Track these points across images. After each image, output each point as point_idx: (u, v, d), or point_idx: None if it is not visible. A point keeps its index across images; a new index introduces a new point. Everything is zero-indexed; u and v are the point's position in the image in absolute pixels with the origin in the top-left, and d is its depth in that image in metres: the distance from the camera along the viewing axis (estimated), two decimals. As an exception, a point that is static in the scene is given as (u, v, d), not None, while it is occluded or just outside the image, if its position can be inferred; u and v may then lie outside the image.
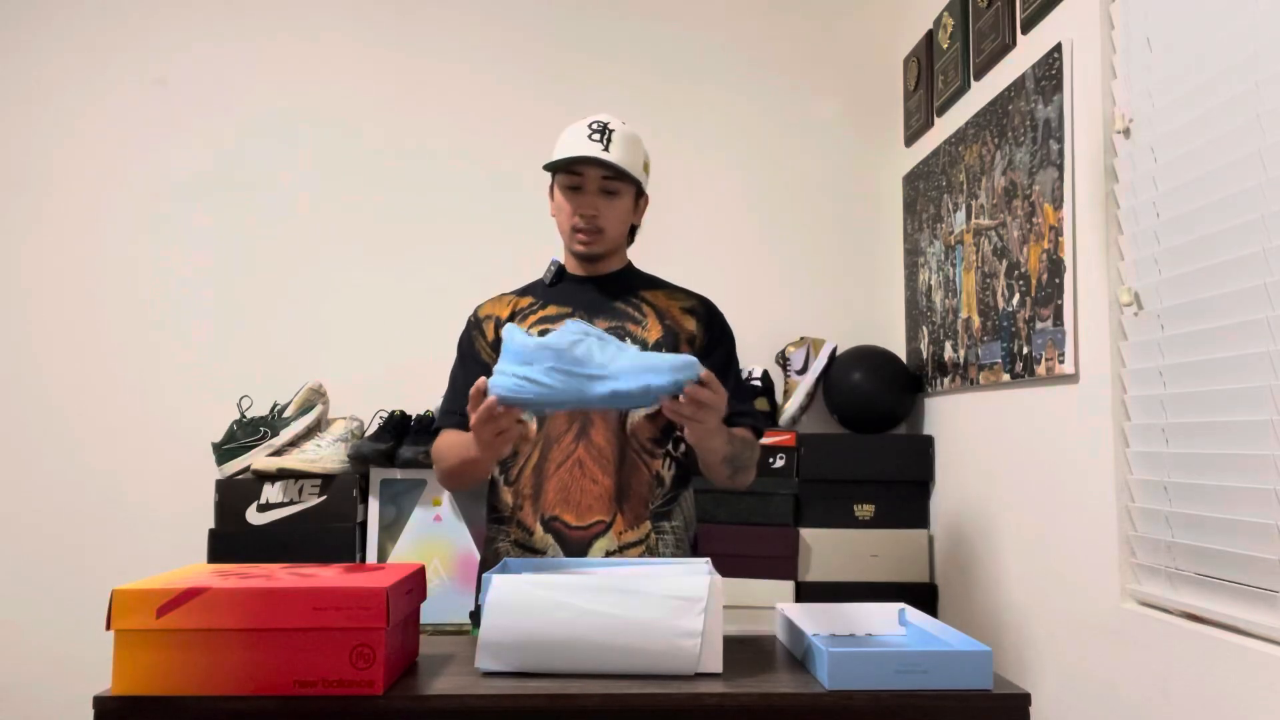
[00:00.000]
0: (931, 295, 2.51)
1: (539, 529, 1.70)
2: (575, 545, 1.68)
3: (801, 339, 2.69)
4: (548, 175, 1.81)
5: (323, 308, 2.79)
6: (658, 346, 1.74)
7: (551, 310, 1.79)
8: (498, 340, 1.80)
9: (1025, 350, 1.95)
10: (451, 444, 1.73)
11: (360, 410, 2.63)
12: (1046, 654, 1.88)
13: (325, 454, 2.43)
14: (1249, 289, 1.36)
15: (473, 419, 1.49)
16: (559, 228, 1.80)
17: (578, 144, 1.72)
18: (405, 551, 2.45)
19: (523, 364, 1.39)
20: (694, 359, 1.44)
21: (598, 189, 1.74)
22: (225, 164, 2.81)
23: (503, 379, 1.42)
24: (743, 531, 2.48)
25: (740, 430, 1.72)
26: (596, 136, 1.72)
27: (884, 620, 1.58)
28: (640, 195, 1.82)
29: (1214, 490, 1.43)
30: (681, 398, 1.44)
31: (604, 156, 1.70)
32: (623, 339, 1.73)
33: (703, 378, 1.44)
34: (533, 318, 1.79)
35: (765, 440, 2.49)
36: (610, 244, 1.78)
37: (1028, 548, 1.98)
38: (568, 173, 1.74)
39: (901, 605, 1.59)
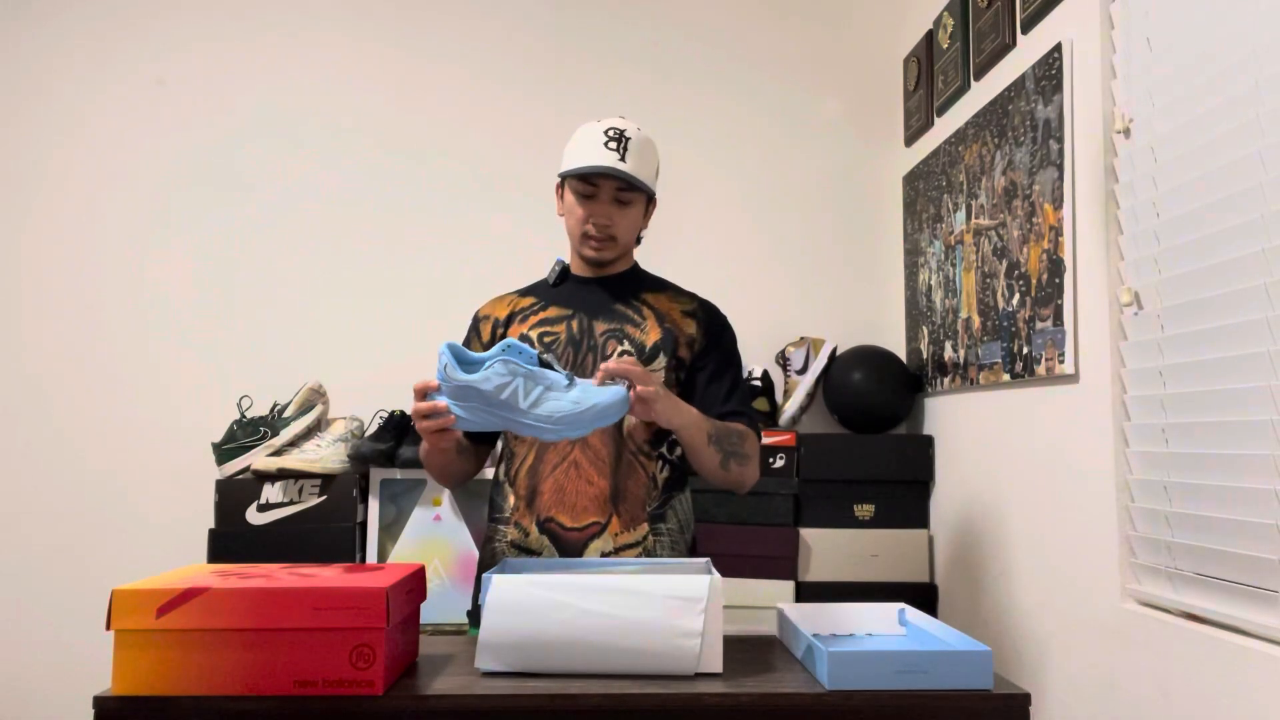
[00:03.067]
0: (931, 295, 2.51)
1: (534, 530, 1.70)
2: (570, 547, 1.68)
3: (801, 339, 2.69)
4: (549, 175, 1.81)
5: (322, 308, 2.78)
6: (656, 349, 1.73)
7: (552, 312, 1.78)
8: (493, 340, 1.80)
9: (1025, 350, 1.95)
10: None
11: (360, 410, 2.63)
12: (1046, 654, 1.88)
13: (325, 454, 2.43)
14: (1249, 289, 1.36)
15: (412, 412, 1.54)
16: (568, 229, 1.79)
17: (593, 151, 1.70)
18: (405, 551, 2.45)
19: (455, 399, 1.46)
20: (620, 396, 1.48)
21: (611, 198, 1.73)
22: (225, 163, 2.81)
23: (443, 398, 1.49)
24: (743, 531, 2.48)
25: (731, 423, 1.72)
26: (613, 145, 1.70)
27: (884, 620, 1.58)
28: (650, 200, 1.81)
29: (1214, 490, 1.43)
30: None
31: (620, 168, 1.69)
32: (621, 341, 1.73)
33: (633, 397, 1.51)
34: (534, 319, 1.78)
35: (765, 440, 2.49)
36: (621, 250, 1.78)
37: (1028, 548, 1.98)
38: (582, 180, 1.72)
39: (901, 605, 1.59)
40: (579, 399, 1.47)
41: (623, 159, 1.69)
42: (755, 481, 1.75)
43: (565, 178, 1.75)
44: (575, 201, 1.75)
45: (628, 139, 1.71)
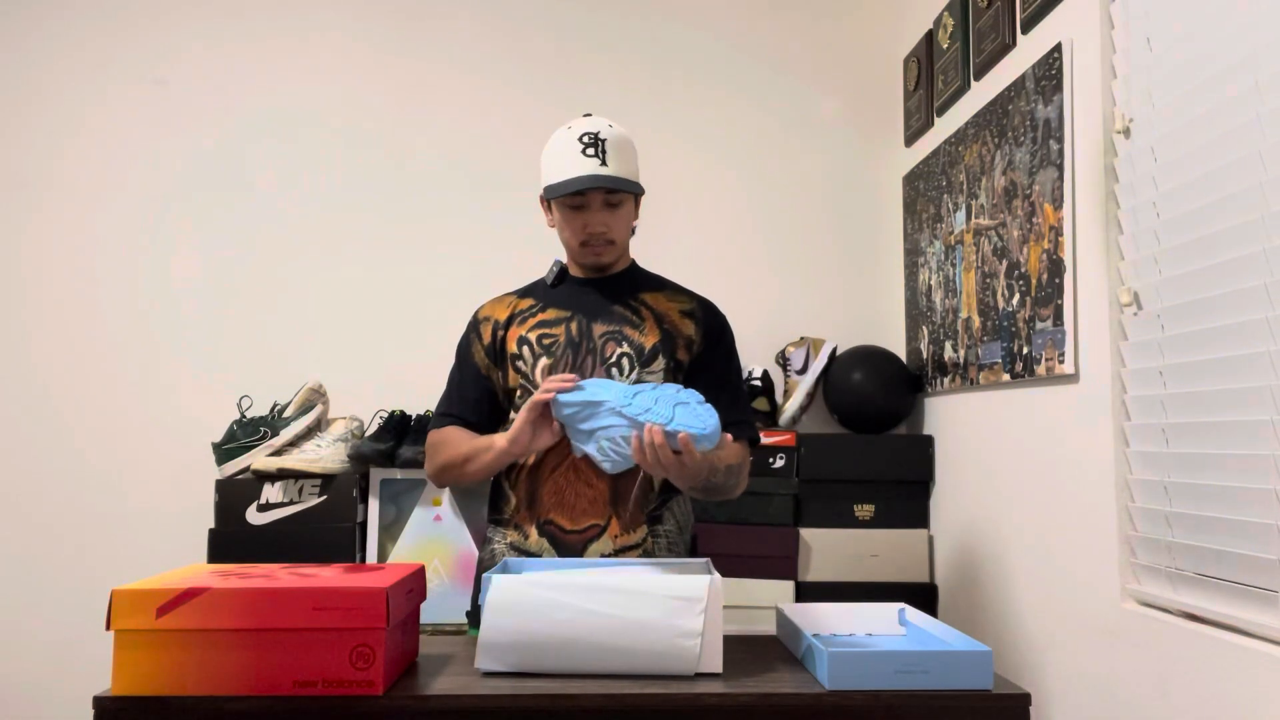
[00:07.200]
0: (931, 295, 2.51)
1: (534, 532, 1.70)
2: (570, 549, 1.68)
3: (801, 339, 2.69)
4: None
5: (323, 308, 2.78)
6: (655, 351, 1.73)
7: (551, 314, 1.78)
8: (494, 342, 1.80)
9: (1025, 350, 1.95)
10: (458, 439, 1.73)
11: (360, 410, 2.63)
12: (1046, 654, 1.88)
13: (325, 454, 2.43)
14: (1249, 289, 1.36)
15: (533, 399, 1.59)
16: (563, 241, 1.78)
17: (574, 163, 1.67)
18: (405, 551, 2.45)
19: (577, 402, 1.57)
20: (715, 421, 1.51)
21: (602, 204, 1.71)
22: (225, 163, 2.81)
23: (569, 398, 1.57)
24: (743, 531, 2.48)
25: (728, 453, 1.66)
26: (591, 151, 1.67)
27: (884, 620, 1.59)
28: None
29: (1214, 490, 1.43)
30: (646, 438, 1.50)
31: (605, 173, 1.67)
32: (620, 343, 1.73)
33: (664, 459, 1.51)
34: (531, 320, 1.78)
35: (765, 440, 2.49)
36: (620, 250, 1.78)
37: (1028, 548, 1.98)
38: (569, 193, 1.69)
39: (901, 605, 1.60)
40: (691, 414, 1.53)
41: (604, 164, 1.67)
42: (743, 490, 1.78)
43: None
44: (567, 215, 1.72)
45: (604, 141, 1.68)
